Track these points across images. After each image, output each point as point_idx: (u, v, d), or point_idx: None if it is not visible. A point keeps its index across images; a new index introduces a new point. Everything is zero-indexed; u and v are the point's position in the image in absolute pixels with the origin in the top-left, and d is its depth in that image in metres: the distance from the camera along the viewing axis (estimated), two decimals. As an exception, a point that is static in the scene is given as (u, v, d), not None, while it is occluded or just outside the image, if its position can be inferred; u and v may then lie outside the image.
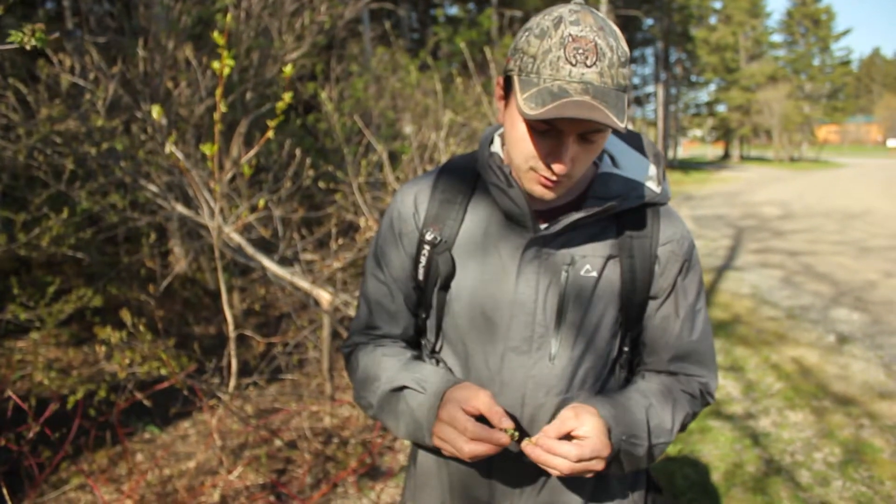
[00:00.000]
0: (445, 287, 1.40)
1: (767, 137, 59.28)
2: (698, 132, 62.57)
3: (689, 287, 1.41)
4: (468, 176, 1.44)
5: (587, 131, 1.19)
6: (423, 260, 1.41)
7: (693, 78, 51.89)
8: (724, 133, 55.99)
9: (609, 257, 1.35)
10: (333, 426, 4.47)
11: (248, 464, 3.87)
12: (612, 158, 1.42)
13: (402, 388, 1.34)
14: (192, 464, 4.03)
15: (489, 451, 1.20)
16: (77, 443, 3.80)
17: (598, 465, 1.22)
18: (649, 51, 44.05)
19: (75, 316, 5.33)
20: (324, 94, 6.23)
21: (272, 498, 3.64)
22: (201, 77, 5.42)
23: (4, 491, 3.14)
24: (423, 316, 1.48)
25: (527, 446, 1.21)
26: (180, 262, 6.42)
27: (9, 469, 3.55)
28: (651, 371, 1.47)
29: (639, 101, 47.39)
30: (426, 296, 1.44)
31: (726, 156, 58.00)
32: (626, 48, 1.18)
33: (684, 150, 68.49)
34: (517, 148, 1.25)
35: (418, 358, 1.46)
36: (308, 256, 5.28)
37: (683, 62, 47.01)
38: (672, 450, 4.22)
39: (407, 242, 1.44)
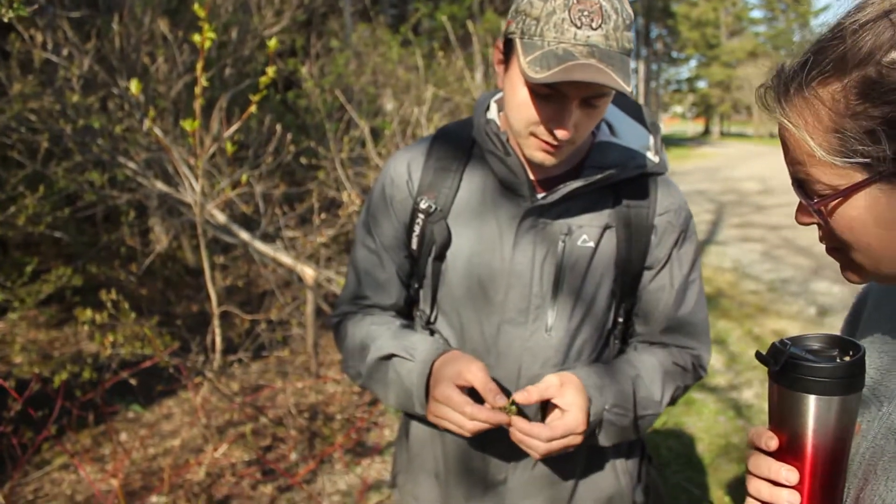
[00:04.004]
0: (440, 257, 1.37)
1: (748, 114, 59.39)
2: (679, 109, 62.70)
3: (685, 258, 1.40)
4: (463, 143, 1.41)
5: (591, 96, 1.16)
6: (416, 229, 1.38)
7: (674, 54, 51.94)
8: (705, 109, 56.09)
9: (606, 227, 1.33)
10: (319, 402, 4.45)
11: (234, 441, 3.85)
12: (610, 127, 1.40)
13: (391, 356, 1.32)
14: (176, 442, 4.00)
15: (490, 427, 1.19)
16: (60, 423, 3.76)
17: (574, 441, 1.22)
18: (630, 26, 43.90)
19: (55, 297, 5.26)
20: (304, 70, 6.15)
21: (259, 475, 3.63)
22: (178, 52, 5.32)
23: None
24: (417, 286, 1.45)
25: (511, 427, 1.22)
26: (161, 240, 6.34)
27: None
28: (644, 342, 1.45)
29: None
30: (420, 266, 1.41)
31: (707, 132, 58.13)
32: (631, 11, 1.16)
33: (665, 127, 68.40)
34: (518, 113, 1.22)
35: (408, 327, 1.44)
36: (290, 233, 5.23)
37: (664, 38, 47.01)
38: (657, 422, 4.23)
39: (399, 210, 1.41)
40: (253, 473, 3.62)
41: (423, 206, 1.36)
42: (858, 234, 0.78)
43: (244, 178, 3.33)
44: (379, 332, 1.38)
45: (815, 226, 0.85)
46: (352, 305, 1.50)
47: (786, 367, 0.81)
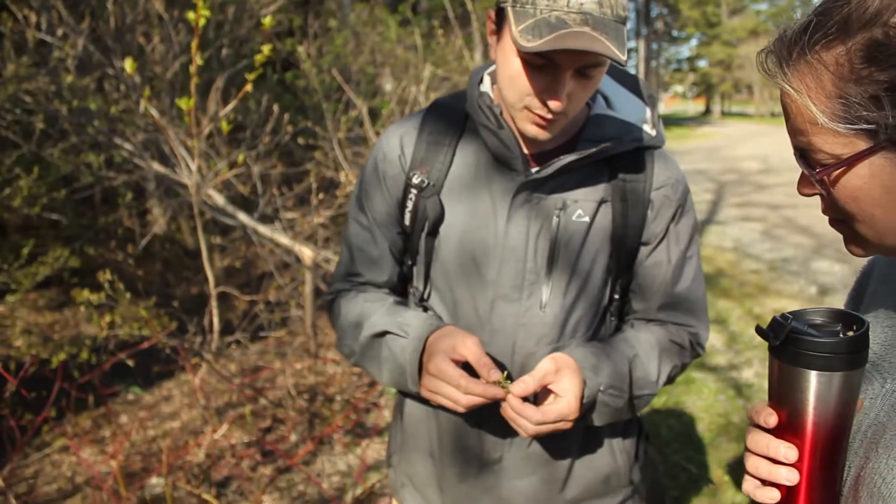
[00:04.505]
0: (433, 232, 1.35)
1: (749, 93, 59.21)
2: (679, 88, 62.43)
3: (682, 233, 1.37)
4: (456, 117, 1.37)
5: (586, 65, 1.13)
6: (409, 204, 1.35)
7: (674, 33, 51.60)
8: (706, 89, 55.87)
9: (601, 202, 1.31)
10: (318, 383, 4.45)
11: (233, 422, 3.84)
12: (606, 99, 1.37)
13: (385, 333, 1.30)
14: (176, 424, 4.00)
15: (484, 401, 1.17)
16: (58, 405, 3.76)
17: (564, 426, 1.20)
18: (630, 5, 43.55)
19: (55, 279, 5.24)
20: (301, 50, 6.09)
21: (258, 456, 3.63)
22: (174, 32, 5.27)
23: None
24: (410, 263, 1.43)
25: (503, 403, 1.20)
26: (159, 221, 6.32)
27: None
28: (640, 319, 1.43)
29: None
30: (413, 241, 1.39)
31: (707, 112, 57.91)
32: None
33: (665, 107, 68.34)
34: (511, 84, 1.19)
35: (402, 304, 1.42)
36: (289, 215, 5.21)
37: (664, 17, 46.70)
38: (656, 401, 4.24)
39: (392, 185, 1.38)
40: (253, 455, 3.62)
41: (415, 181, 1.34)
42: (862, 205, 0.76)
43: (241, 157, 3.31)
44: (372, 309, 1.36)
45: (818, 197, 0.83)
46: (345, 283, 1.48)
47: (786, 341, 0.79)
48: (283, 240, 4.08)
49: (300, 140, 5.34)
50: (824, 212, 0.83)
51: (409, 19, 9.02)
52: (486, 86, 1.36)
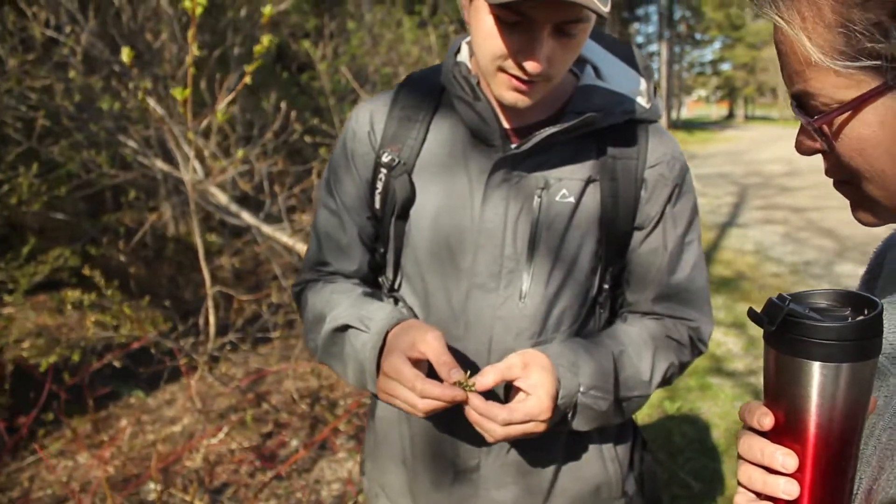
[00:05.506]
0: (404, 215, 1.22)
1: (773, 96, 58.45)
2: (702, 92, 61.83)
3: (680, 216, 1.23)
4: (432, 90, 1.25)
5: (564, 21, 1.00)
6: (379, 185, 1.23)
7: (697, 36, 51.08)
8: (729, 92, 55.24)
9: (589, 181, 1.17)
10: (321, 388, 4.34)
11: (233, 427, 3.75)
12: (596, 70, 1.23)
13: (346, 327, 1.17)
14: (177, 428, 3.92)
15: (444, 405, 1.03)
16: (51, 408, 3.69)
17: (537, 428, 1.05)
18: (652, 8, 43.21)
19: (62, 280, 5.19)
20: (317, 53, 6.01)
21: (257, 462, 3.52)
22: (178, 28, 5.20)
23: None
24: (382, 250, 1.30)
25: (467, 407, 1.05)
26: (163, 216, 6.26)
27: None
28: (634, 313, 1.28)
29: (642, 61, 46.66)
30: (384, 226, 1.26)
31: (731, 115, 57.32)
32: None
33: (688, 111, 67.71)
34: (484, 46, 1.06)
35: (372, 295, 1.28)
36: (297, 215, 5.12)
37: (687, 20, 46.28)
38: (670, 407, 4.09)
39: (361, 165, 1.26)
40: (252, 461, 3.52)
41: (385, 159, 1.21)
42: (870, 159, 0.62)
43: (240, 153, 3.21)
44: (337, 301, 1.23)
45: (821, 156, 0.69)
46: (313, 273, 1.35)
47: (784, 326, 0.64)
48: (285, 239, 3.97)
49: (307, 138, 5.24)
50: (828, 172, 0.69)
51: (426, 21, 8.95)
52: (463, 55, 1.23)
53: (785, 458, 0.66)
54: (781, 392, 0.67)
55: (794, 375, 0.65)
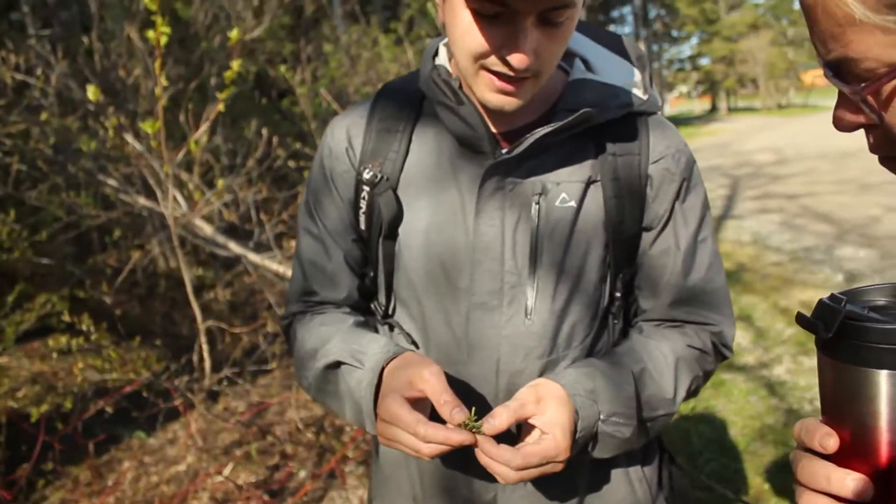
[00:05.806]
0: (392, 235, 1.12)
1: (754, 87, 58.65)
2: (684, 88, 61.97)
3: (691, 212, 1.13)
4: (411, 98, 1.15)
5: (549, 8, 0.90)
6: (363, 205, 1.13)
7: (674, 33, 51.34)
8: (710, 86, 55.37)
9: (589, 182, 1.08)
10: (327, 415, 4.24)
11: (238, 462, 3.65)
12: (586, 62, 1.14)
13: (338, 363, 1.07)
14: (181, 468, 3.82)
15: (450, 449, 0.93)
16: (47, 458, 3.60)
17: (554, 468, 0.96)
18: (627, 9, 43.46)
19: (47, 327, 5.08)
20: (296, 77, 5.94)
21: (266, 497, 3.42)
22: (150, 62, 5.12)
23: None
24: (371, 274, 1.21)
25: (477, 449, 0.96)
26: (157, 258, 6.16)
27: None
28: (650, 321, 1.18)
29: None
30: (371, 248, 1.16)
31: (714, 109, 57.39)
32: None
33: (671, 108, 67.96)
34: (462, 44, 0.96)
35: (365, 325, 1.18)
36: (286, 241, 5.02)
37: (663, 17, 46.50)
38: (684, 407, 3.99)
39: (341, 184, 1.16)
40: (261, 496, 3.41)
41: (366, 176, 1.12)
42: None
43: (220, 182, 3.12)
44: (328, 335, 1.13)
45: (863, 131, 0.59)
46: (299, 304, 1.25)
47: (842, 332, 0.55)
48: (275, 266, 3.88)
49: (291, 163, 5.16)
50: (873, 148, 0.60)
51: (402, 38, 8.90)
52: (441, 58, 1.14)
53: (856, 483, 0.57)
54: (844, 407, 0.58)
55: (858, 387, 0.56)
